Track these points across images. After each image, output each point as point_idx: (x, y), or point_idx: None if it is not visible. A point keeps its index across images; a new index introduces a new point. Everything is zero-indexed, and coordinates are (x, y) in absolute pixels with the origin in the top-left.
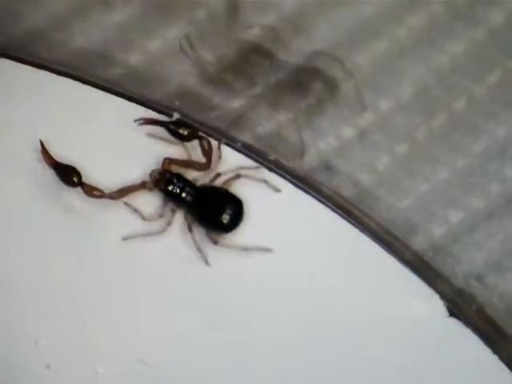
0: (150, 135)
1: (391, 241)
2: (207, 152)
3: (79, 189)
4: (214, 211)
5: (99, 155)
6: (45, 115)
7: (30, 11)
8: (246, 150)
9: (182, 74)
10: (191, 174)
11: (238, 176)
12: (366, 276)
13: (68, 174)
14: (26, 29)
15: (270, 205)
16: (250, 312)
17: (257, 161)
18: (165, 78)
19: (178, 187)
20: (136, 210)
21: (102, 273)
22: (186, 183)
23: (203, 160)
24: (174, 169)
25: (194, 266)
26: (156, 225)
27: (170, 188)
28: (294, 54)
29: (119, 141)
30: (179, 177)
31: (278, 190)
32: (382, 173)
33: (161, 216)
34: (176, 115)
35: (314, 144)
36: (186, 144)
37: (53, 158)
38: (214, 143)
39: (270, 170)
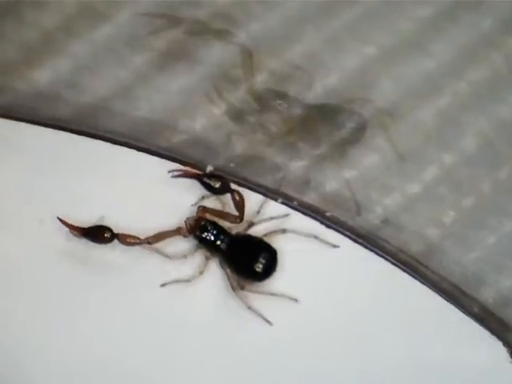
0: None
1: (456, 293)
2: (239, 205)
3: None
4: (247, 259)
5: (136, 209)
6: (99, 185)
7: (93, 81)
8: (302, 207)
9: (245, 136)
10: (225, 222)
11: (283, 231)
12: (427, 326)
13: (100, 234)
14: (89, 100)
15: (328, 260)
16: (307, 365)
17: (315, 218)
18: (226, 142)
19: (213, 234)
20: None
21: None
22: (220, 231)
23: (236, 213)
24: (209, 217)
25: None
26: (192, 272)
27: (205, 235)
28: (357, 111)
29: (155, 194)
30: (214, 224)
31: (335, 246)
32: (448, 226)
33: (205, 264)
34: (209, 168)
35: (379, 201)
36: (220, 197)
37: (78, 228)
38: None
39: (328, 226)
